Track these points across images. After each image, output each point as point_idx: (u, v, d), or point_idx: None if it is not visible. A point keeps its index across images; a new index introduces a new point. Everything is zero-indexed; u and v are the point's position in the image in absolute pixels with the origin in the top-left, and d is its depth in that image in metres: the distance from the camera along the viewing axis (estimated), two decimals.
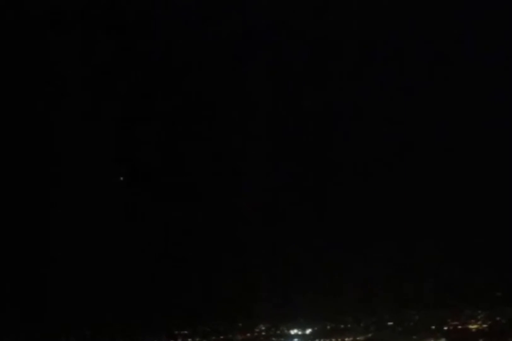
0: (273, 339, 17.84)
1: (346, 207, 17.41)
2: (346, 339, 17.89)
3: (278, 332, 17.84)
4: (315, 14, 14.45)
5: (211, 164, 14.87)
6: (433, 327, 17.96)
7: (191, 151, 14.63)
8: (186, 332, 17.41)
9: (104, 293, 13.54)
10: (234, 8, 13.94)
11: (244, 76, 14.87)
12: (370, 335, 17.88)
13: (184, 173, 15.25)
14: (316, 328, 18.03)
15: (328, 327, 18.08)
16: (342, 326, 18.04)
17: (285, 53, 14.48)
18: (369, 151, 16.58)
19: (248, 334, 17.74)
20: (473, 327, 17.92)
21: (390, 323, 18.00)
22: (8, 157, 12.32)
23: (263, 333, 17.86)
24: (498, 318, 17.91)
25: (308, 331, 17.87)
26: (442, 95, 16.05)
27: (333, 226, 17.57)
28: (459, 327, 17.95)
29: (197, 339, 17.43)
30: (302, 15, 14.41)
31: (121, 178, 9.74)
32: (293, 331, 17.83)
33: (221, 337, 17.54)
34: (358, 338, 17.85)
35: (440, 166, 17.11)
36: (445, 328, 17.96)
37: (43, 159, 12.83)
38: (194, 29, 13.77)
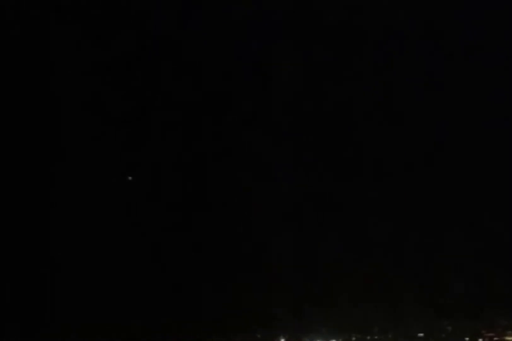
0: None
1: (369, 210, 16.75)
2: None
3: None
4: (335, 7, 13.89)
5: (226, 165, 14.19)
6: (467, 338, 17.01)
7: (205, 151, 13.98)
8: None
9: (110, 300, 12.78)
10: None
11: (258, 73, 14.38)
12: None
13: (197, 173, 14.57)
14: (340, 340, 17.26)
15: (354, 338, 17.22)
16: (368, 337, 17.28)
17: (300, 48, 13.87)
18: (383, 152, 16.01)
19: None
20: (510, 338, 16.93)
21: (420, 335, 17.01)
22: (9, 156, 11.69)
23: None
24: None
25: None
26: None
27: (356, 232, 16.96)
28: (495, 338, 16.95)
29: None
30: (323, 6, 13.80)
31: (130, 178, 9.01)
32: None
33: None
34: None
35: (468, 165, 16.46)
36: (480, 339, 17.01)
37: (47, 157, 12.16)
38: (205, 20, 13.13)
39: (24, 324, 9.22)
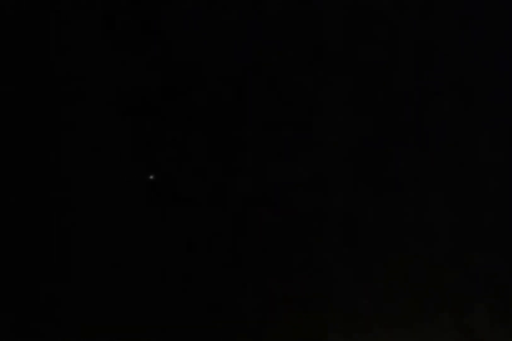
0: None
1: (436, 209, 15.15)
2: None
3: None
4: None
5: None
6: None
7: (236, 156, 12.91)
8: None
9: (119, 301, 11.67)
10: None
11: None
12: None
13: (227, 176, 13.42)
14: None
15: None
16: None
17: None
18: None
19: None
20: None
21: None
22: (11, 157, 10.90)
23: None
24: None
25: None
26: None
27: (425, 232, 15.33)
28: None
29: None
30: None
31: (151, 177, 7.74)
32: None
33: None
34: None
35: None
36: None
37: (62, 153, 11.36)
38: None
39: (24, 323, 8.31)
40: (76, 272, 7.16)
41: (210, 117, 7.28)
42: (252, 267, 7.12)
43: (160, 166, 7.46)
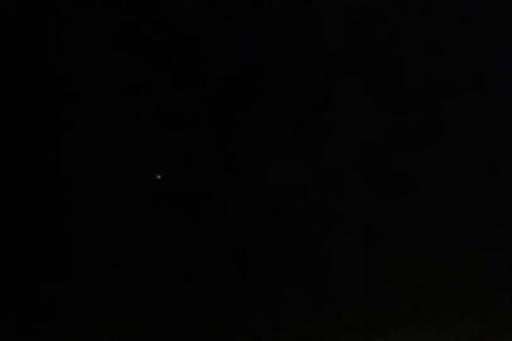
0: None
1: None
2: None
3: None
4: None
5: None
6: None
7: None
8: None
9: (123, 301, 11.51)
10: None
11: None
12: None
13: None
14: None
15: None
16: None
17: None
18: None
19: None
20: None
21: None
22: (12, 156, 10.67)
23: None
24: None
25: None
26: None
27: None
28: None
29: None
30: None
31: (158, 176, 7.55)
32: None
33: None
34: None
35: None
36: None
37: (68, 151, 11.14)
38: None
39: (24, 323, 8.17)
40: (76, 272, 7.08)
41: (210, 117, 7.20)
42: (251, 266, 7.06)
43: (161, 166, 7.38)
